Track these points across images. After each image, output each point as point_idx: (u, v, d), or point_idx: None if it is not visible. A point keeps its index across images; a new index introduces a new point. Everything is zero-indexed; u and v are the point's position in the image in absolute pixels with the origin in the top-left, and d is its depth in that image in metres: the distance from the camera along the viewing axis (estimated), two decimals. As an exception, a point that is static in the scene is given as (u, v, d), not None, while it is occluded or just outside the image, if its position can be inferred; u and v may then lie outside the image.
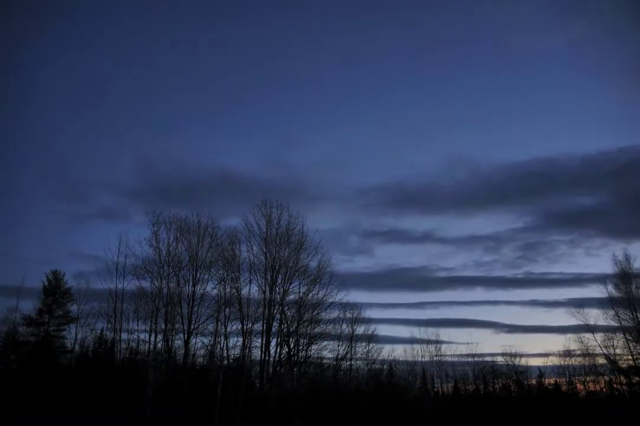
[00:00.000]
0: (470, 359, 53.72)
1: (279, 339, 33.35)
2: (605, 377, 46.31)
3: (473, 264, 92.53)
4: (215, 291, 33.33)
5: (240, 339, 32.73)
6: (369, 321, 45.12)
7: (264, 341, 32.71)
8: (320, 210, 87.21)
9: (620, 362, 42.92)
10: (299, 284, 34.38)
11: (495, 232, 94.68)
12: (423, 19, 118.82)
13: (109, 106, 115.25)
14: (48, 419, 27.74)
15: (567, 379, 49.70)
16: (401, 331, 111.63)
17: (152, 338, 32.06)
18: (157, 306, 31.88)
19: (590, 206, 76.22)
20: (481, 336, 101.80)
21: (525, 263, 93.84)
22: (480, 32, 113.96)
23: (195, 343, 33.39)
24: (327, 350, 38.25)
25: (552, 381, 52.28)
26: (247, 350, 33.04)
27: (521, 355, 51.65)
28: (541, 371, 52.39)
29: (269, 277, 33.65)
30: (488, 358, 54.37)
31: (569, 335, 49.29)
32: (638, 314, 39.86)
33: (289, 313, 33.99)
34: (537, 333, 76.83)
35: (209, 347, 33.86)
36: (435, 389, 55.10)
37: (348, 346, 42.21)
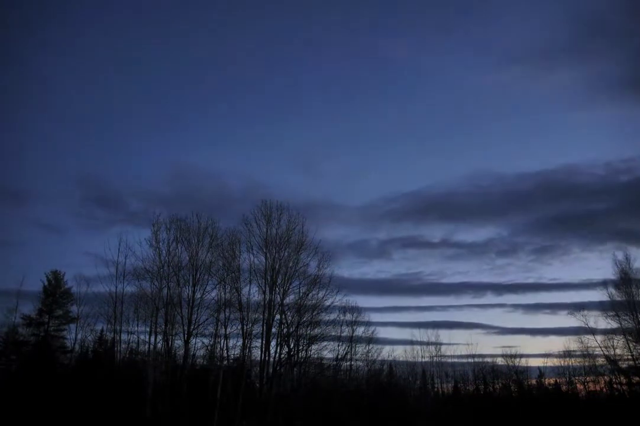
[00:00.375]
0: (470, 359, 53.88)
1: (279, 340, 33.40)
2: (605, 377, 46.34)
3: (487, 268, 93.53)
4: (215, 291, 33.38)
5: (240, 339, 32.80)
6: (369, 323, 45.31)
7: (264, 342, 32.78)
8: (342, 217, 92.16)
9: (620, 362, 42.96)
10: (299, 284, 34.47)
11: (509, 236, 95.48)
12: (458, 28, 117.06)
13: (147, 117, 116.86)
14: (48, 419, 27.75)
15: (567, 379, 49.75)
16: (402, 334, 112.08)
17: (152, 338, 32.10)
18: (157, 306, 31.87)
19: (604, 211, 76.33)
20: (482, 339, 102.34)
21: (539, 266, 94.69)
22: (497, 42, 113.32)
23: (195, 343, 33.41)
24: (327, 350, 38.34)
25: (552, 381, 52.35)
26: (247, 350, 33.10)
27: (521, 356, 51.81)
28: (541, 372, 52.48)
29: (269, 277, 33.70)
30: (488, 359, 54.54)
31: (570, 337, 49.04)
32: (638, 314, 39.89)
33: (289, 314, 34.05)
34: (538, 335, 77.27)
35: (208, 347, 33.89)
36: (435, 389, 55.17)
37: (348, 346, 42.27)
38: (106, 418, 27.43)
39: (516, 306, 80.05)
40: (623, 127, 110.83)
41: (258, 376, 33.71)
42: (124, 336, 34.34)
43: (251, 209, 35.21)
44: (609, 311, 41.30)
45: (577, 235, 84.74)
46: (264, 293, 33.35)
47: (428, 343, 51.94)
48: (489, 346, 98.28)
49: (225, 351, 33.04)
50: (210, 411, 29.11)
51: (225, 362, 33.01)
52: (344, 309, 42.10)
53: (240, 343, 32.82)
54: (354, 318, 43.77)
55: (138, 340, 34.05)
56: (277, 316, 33.71)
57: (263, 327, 32.85)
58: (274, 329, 33.24)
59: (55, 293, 41.14)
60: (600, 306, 42.39)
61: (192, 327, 32.09)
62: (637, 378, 42.30)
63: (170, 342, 32.17)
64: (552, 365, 51.49)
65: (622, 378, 43.94)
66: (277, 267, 33.87)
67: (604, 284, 42.42)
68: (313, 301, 34.34)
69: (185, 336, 31.95)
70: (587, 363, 47.71)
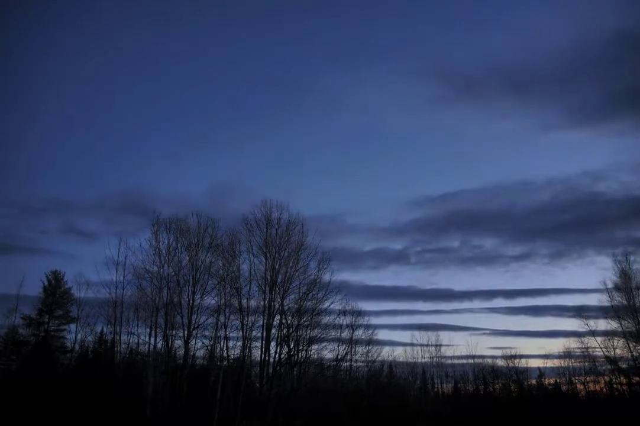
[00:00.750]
0: (470, 360, 53.93)
1: (278, 340, 33.39)
2: (605, 377, 46.33)
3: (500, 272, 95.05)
4: (215, 291, 33.36)
5: (240, 339, 32.80)
6: (368, 326, 45.00)
7: (263, 342, 32.78)
8: (366, 223, 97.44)
9: (620, 362, 42.95)
10: (299, 284, 34.45)
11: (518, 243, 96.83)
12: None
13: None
14: (48, 419, 27.74)
15: (567, 379, 49.76)
16: (403, 336, 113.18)
17: (152, 338, 32.12)
18: (157, 306, 31.87)
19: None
20: (483, 341, 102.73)
21: (552, 270, 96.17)
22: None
23: (195, 343, 33.38)
24: (327, 350, 38.27)
25: (552, 381, 52.37)
26: (247, 350, 33.10)
27: (521, 356, 51.85)
28: (541, 372, 52.50)
29: (268, 277, 33.70)
30: (489, 360, 54.59)
31: (571, 339, 49.10)
32: (638, 314, 39.91)
33: (288, 313, 34.03)
34: (540, 337, 77.89)
35: (208, 347, 33.89)
36: (435, 389, 55.17)
37: (348, 347, 42.23)
38: (106, 418, 27.41)
39: (519, 309, 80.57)
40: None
41: (258, 376, 33.72)
42: (124, 336, 34.39)
43: (251, 209, 35.29)
44: (610, 312, 41.35)
45: (592, 240, 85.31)
46: (264, 292, 33.39)
47: (428, 345, 52.14)
48: (489, 348, 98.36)
49: (225, 351, 33.09)
50: (210, 412, 29.11)
51: (225, 362, 32.99)
52: (344, 311, 42.05)
53: (240, 343, 32.88)
54: (353, 319, 43.71)
55: (138, 340, 34.13)
56: (277, 316, 33.76)
57: (263, 327, 32.89)
58: (273, 330, 33.29)
59: (55, 293, 41.17)
60: (601, 308, 42.50)
61: (192, 327, 32.12)
62: (637, 378, 42.32)
63: (170, 342, 32.18)
64: (552, 365, 51.62)
65: (622, 378, 43.96)
66: (277, 267, 33.90)
67: (604, 284, 42.56)
68: (313, 301, 34.36)
69: (185, 336, 31.95)
70: (587, 363, 47.82)
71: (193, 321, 32.21)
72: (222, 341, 32.93)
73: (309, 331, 34.69)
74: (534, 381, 52.77)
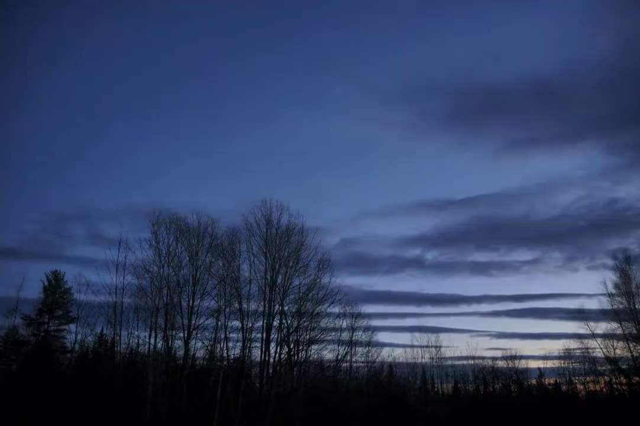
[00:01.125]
0: (471, 361, 53.95)
1: (278, 340, 33.37)
2: (605, 377, 46.32)
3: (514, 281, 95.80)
4: (215, 291, 33.35)
5: (240, 339, 32.78)
6: (369, 328, 45.04)
7: (264, 342, 32.75)
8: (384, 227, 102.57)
9: (620, 363, 42.94)
10: (299, 284, 34.43)
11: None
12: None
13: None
14: (48, 419, 27.73)
15: (567, 379, 49.77)
16: (405, 339, 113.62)
17: (152, 338, 32.09)
18: (157, 306, 31.87)
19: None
20: (484, 342, 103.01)
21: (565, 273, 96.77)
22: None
23: (195, 343, 33.35)
24: (327, 350, 38.26)
25: (552, 381, 52.37)
26: (247, 350, 33.07)
27: (521, 357, 51.86)
28: (541, 372, 52.52)
29: (269, 277, 33.69)
30: (489, 361, 54.59)
31: (571, 340, 49.14)
32: (638, 314, 39.93)
33: (288, 313, 34.03)
34: (540, 339, 78.27)
35: (208, 347, 33.87)
36: (435, 389, 55.16)
37: (348, 347, 42.23)
38: (106, 418, 27.40)
39: (522, 312, 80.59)
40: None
41: (258, 376, 33.71)
42: (124, 337, 34.34)
43: (251, 209, 35.25)
44: (610, 314, 41.41)
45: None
46: (264, 292, 33.36)
47: (428, 346, 52.21)
48: (490, 348, 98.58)
49: (225, 351, 33.06)
50: (210, 412, 29.09)
51: (225, 362, 32.98)
52: (344, 313, 42.09)
53: (240, 343, 32.85)
54: (353, 319, 43.72)
55: (138, 341, 34.12)
56: (277, 316, 33.74)
57: (263, 327, 32.86)
58: (273, 330, 33.25)
59: (55, 293, 41.19)
60: (601, 308, 42.56)
61: (192, 327, 32.11)
62: (637, 378, 42.32)
63: (170, 342, 32.17)
64: (552, 365, 51.63)
65: (622, 378, 43.96)
66: (277, 267, 33.86)
67: (604, 284, 42.60)
68: (313, 301, 34.31)
69: (185, 336, 31.96)
70: (587, 363, 47.80)
71: (193, 321, 32.25)
72: (222, 341, 32.97)
73: (309, 331, 34.70)
74: (534, 382, 52.84)
